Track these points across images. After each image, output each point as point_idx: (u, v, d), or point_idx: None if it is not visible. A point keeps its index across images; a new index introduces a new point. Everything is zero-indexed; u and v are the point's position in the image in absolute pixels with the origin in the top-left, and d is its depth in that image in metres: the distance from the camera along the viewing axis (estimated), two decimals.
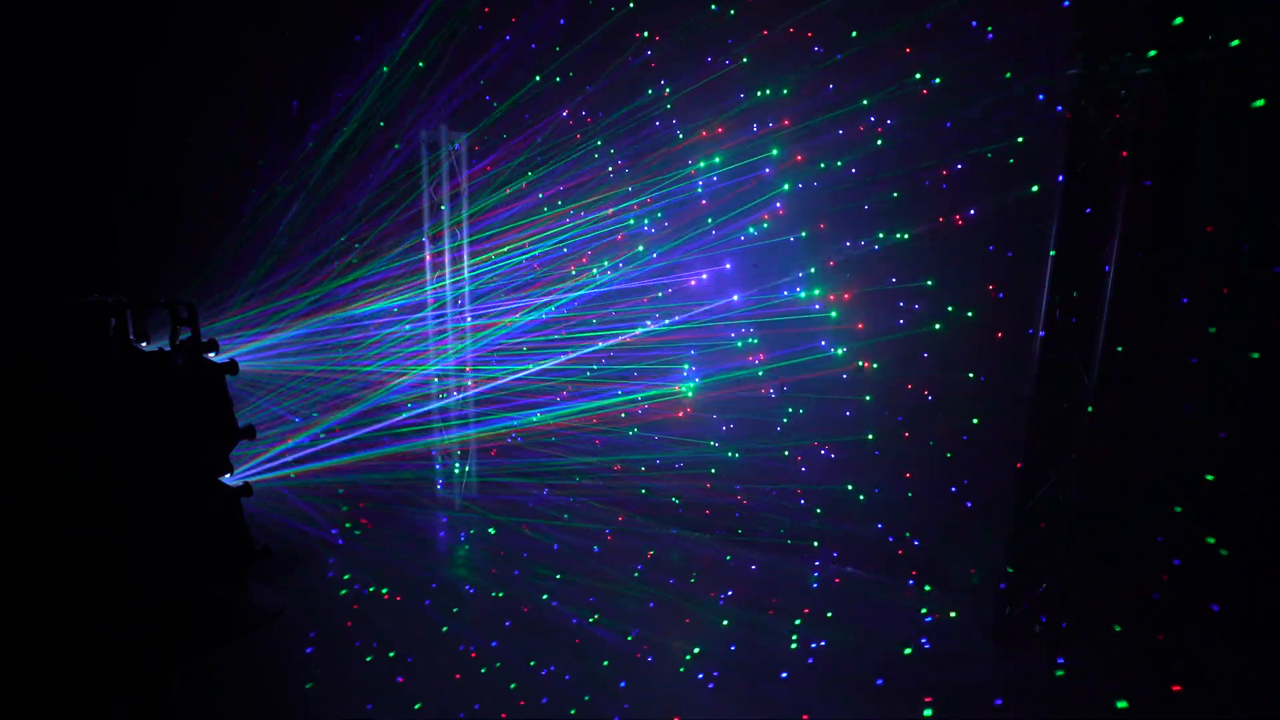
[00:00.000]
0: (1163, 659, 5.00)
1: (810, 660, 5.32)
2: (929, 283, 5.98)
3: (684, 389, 7.25)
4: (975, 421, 5.92)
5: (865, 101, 5.92)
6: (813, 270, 6.42)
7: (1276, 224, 4.65)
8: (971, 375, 5.87)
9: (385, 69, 7.33)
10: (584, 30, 6.97)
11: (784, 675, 5.12)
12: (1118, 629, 5.29)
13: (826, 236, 6.35)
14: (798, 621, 5.81)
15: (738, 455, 7.16)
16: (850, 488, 6.61)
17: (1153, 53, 4.49)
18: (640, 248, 7.16)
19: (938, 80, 5.63)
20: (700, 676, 5.15)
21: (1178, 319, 5.04)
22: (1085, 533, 5.24)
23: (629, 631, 5.68)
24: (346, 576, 6.68)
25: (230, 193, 7.09)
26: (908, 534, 6.37)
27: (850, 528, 6.63)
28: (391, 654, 5.41)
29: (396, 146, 7.63)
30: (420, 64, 7.41)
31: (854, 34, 5.84)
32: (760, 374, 6.85)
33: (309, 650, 5.43)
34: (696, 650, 5.45)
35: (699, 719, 4.75)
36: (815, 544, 6.82)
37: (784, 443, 6.87)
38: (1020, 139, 5.39)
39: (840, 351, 6.42)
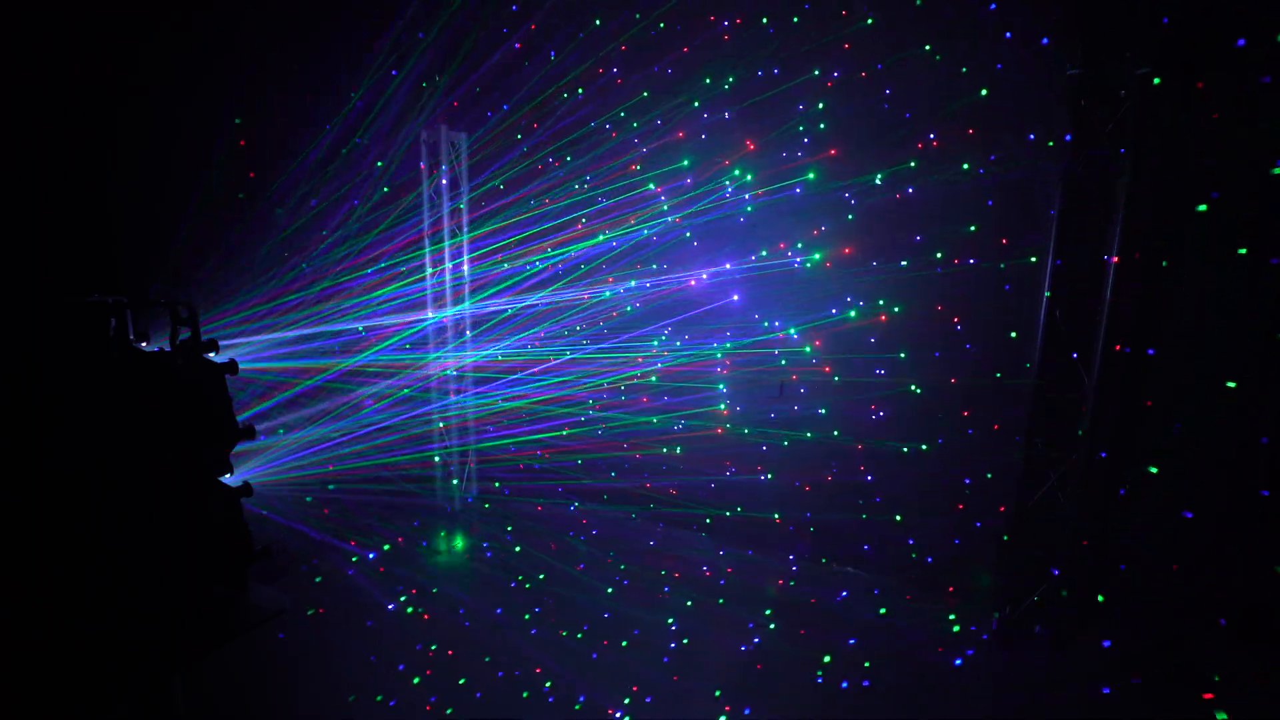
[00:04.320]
0: (1163, 659, 5.00)
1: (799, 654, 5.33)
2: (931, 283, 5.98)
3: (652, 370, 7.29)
4: (975, 420, 5.92)
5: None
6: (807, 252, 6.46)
7: (1276, 222, 4.66)
8: (972, 375, 5.87)
9: (386, 68, 7.32)
10: (585, 28, 6.99)
11: (777, 674, 5.13)
12: (1118, 629, 5.29)
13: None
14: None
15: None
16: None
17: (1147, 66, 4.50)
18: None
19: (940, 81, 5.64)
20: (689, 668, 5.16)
21: (1178, 319, 5.04)
22: (1085, 533, 5.24)
23: (628, 624, 5.70)
24: (348, 575, 6.69)
25: (230, 191, 7.07)
26: (910, 538, 6.37)
27: (848, 528, 6.63)
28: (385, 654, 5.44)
29: (363, 139, 7.60)
30: (420, 64, 7.41)
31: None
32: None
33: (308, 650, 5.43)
34: (686, 641, 5.47)
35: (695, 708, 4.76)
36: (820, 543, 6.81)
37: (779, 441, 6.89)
38: (1020, 139, 5.38)
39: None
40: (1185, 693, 4.74)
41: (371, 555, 6.89)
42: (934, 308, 5.96)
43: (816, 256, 6.39)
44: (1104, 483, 5.26)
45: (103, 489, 2.55)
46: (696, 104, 6.69)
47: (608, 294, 7.39)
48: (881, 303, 6.19)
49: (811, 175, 6.28)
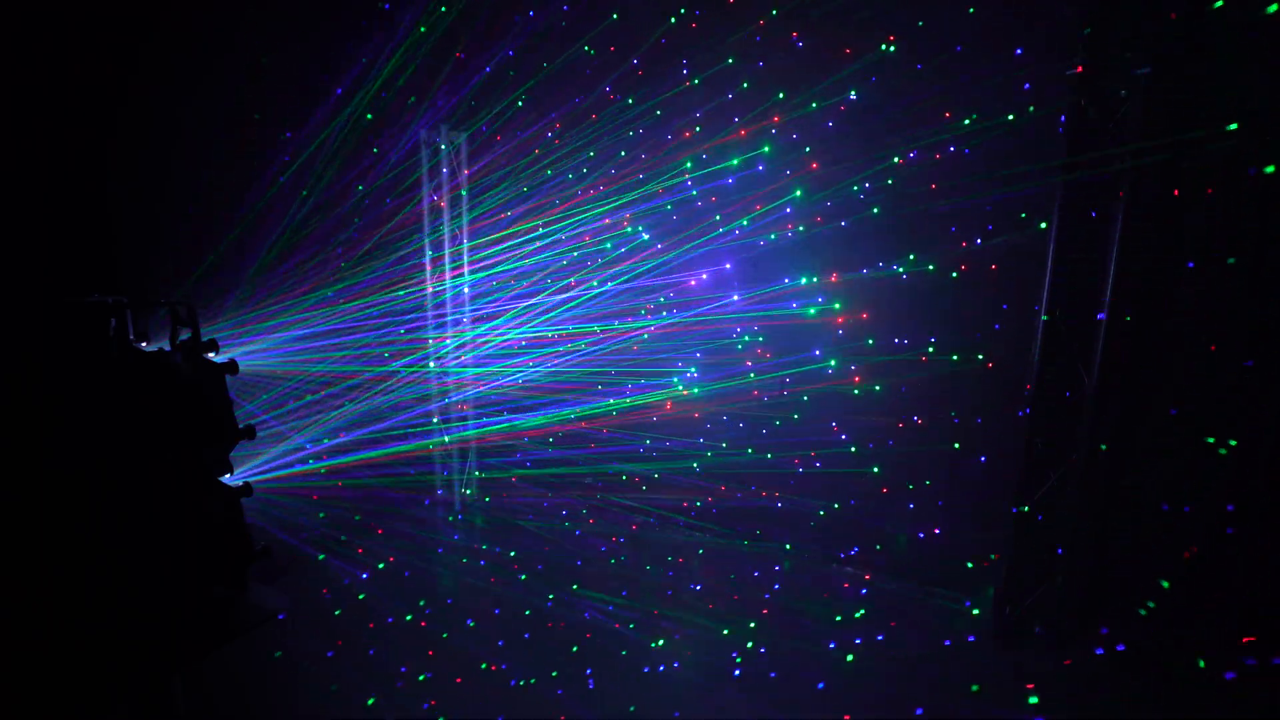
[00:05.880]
0: (1163, 659, 5.00)
1: (804, 658, 5.32)
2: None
3: (678, 385, 7.26)
4: (978, 420, 5.92)
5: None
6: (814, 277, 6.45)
7: (1275, 222, 4.66)
8: (972, 372, 5.88)
9: (387, 65, 7.32)
10: (586, 29, 6.99)
11: (777, 675, 5.13)
12: (1118, 629, 5.29)
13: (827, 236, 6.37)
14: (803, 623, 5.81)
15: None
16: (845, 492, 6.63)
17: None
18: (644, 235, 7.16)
19: (942, 84, 5.64)
20: (700, 680, 5.15)
21: (1178, 319, 5.04)
22: (1085, 533, 5.24)
23: (631, 629, 5.69)
24: (347, 579, 6.69)
25: (230, 190, 7.06)
26: (917, 534, 6.37)
27: (850, 529, 6.63)
28: (387, 654, 5.44)
29: (377, 149, 7.62)
30: (419, 64, 7.41)
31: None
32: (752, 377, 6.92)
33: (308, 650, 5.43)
34: (692, 652, 5.46)
35: (699, 717, 4.76)
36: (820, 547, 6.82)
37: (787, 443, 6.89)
38: (1020, 138, 5.38)
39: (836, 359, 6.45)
40: (1186, 693, 4.74)
41: (363, 576, 6.84)
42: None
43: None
44: (1104, 483, 5.26)
45: (103, 489, 2.54)
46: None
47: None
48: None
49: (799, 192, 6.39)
